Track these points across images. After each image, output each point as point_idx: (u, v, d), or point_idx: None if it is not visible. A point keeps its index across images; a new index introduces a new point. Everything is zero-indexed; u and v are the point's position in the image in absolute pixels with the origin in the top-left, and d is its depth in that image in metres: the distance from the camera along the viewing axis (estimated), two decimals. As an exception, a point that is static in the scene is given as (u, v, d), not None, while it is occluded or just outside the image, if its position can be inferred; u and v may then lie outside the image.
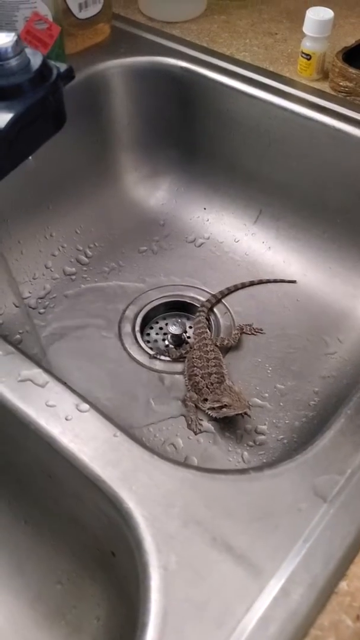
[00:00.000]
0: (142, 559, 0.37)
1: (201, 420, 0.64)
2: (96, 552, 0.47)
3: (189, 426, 0.64)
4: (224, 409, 0.61)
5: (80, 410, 0.44)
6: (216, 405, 0.61)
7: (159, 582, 0.36)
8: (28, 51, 0.46)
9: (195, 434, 0.63)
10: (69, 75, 0.48)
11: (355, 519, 0.38)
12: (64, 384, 0.45)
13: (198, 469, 0.41)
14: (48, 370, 0.46)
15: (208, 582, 0.36)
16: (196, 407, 0.65)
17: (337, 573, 0.36)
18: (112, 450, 0.42)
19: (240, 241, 0.83)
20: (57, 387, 0.45)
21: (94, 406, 0.44)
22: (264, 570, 0.36)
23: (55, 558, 0.51)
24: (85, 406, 0.44)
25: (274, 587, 0.36)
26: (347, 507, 0.39)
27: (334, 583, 0.36)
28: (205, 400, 0.63)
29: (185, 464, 0.42)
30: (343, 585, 0.36)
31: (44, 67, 0.47)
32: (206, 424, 0.65)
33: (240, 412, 0.61)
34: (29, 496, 0.50)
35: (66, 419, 0.43)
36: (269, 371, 0.70)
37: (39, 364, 0.46)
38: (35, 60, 0.46)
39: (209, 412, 0.63)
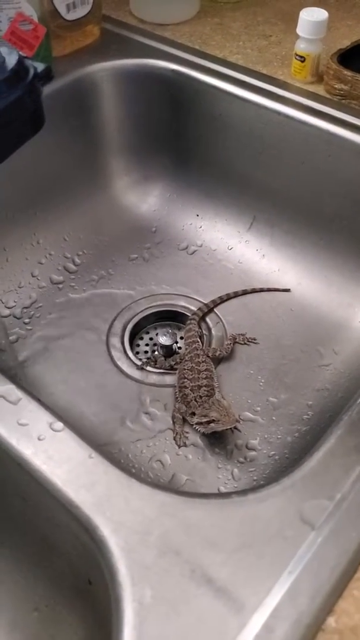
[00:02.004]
0: (116, 592, 0.35)
1: (187, 433, 0.62)
2: (73, 579, 0.44)
3: (174, 439, 0.61)
4: (212, 424, 0.58)
5: (54, 430, 0.41)
6: (204, 420, 0.59)
7: (133, 618, 0.33)
8: (3, 50, 0.44)
9: (179, 447, 0.61)
10: (47, 75, 0.46)
11: (345, 549, 0.36)
12: (38, 400, 0.43)
13: (178, 493, 0.39)
14: (22, 386, 0.44)
15: (185, 617, 0.33)
16: (183, 419, 0.62)
17: (325, 608, 0.34)
18: (87, 472, 0.39)
19: (233, 248, 0.80)
20: (30, 404, 0.43)
21: (69, 425, 0.41)
22: (245, 604, 0.34)
23: (32, 584, 0.48)
24: (60, 425, 0.41)
25: (256, 623, 0.33)
26: (337, 535, 0.36)
27: (321, 619, 0.33)
28: (193, 414, 0.61)
29: (164, 487, 0.39)
30: (331, 621, 0.33)
31: (20, 66, 0.44)
32: (195, 440, 0.62)
33: (228, 427, 0.58)
34: (3, 519, 0.47)
35: (39, 439, 0.41)
36: (261, 383, 0.67)
37: (12, 379, 0.44)
38: (10, 60, 0.44)
39: (197, 428, 0.60)
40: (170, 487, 0.56)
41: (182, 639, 0.32)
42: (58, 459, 0.40)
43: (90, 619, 0.44)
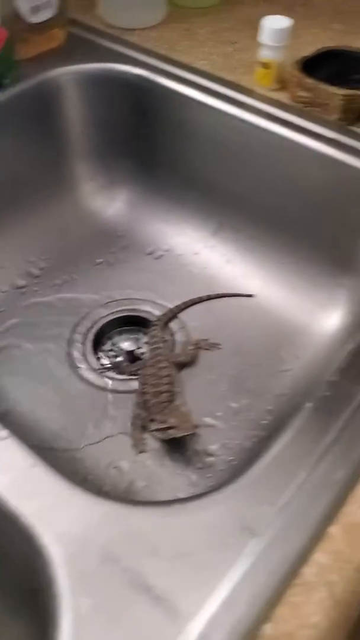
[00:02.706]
0: (54, 601, 0.34)
1: (145, 439, 0.62)
2: (18, 589, 0.44)
3: (132, 445, 0.61)
4: (170, 431, 0.58)
5: (-1, 437, 0.41)
6: (162, 426, 0.59)
7: (69, 628, 0.33)
8: None
9: (138, 453, 0.61)
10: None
11: (284, 555, 0.36)
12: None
13: (120, 501, 0.39)
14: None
15: (122, 626, 0.33)
16: (142, 426, 0.62)
17: (262, 615, 0.34)
18: (30, 481, 0.39)
19: (199, 254, 0.81)
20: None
21: (12, 433, 0.41)
22: (182, 612, 0.34)
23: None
24: (4, 433, 0.41)
25: (192, 631, 0.33)
26: (277, 541, 0.36)
27: (258, 626, 0.34)
28: (152, 420, 0.61)
29: (107, 496, 0.39)
30: (267, 628, 0.34)
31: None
32: (155, 446, 0.62)
33: (186, 434, 0.58)
34: None
35: (-18, 447, 0.41)
36: (222, 389, 0.67)
37: None
38: None
39: (155, 434, 0.60)
40: (118, 494, 0.56)
41: (118, 648, 0.32)
42: (1, 467, 0.39)
43: (35, 630, 0.44)
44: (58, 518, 0.37)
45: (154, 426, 0.60)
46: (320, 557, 0.36)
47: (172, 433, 0.58)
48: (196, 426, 0.59)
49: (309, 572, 0.36)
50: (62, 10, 0.77)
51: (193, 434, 0.61)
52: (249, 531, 0.37)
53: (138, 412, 0.63)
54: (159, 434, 0.60)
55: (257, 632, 0.33)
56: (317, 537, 0.37)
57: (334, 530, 0.37)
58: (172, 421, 0.58)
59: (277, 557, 0.36)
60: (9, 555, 0.42)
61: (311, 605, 0.34)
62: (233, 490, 0.39)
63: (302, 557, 0.36)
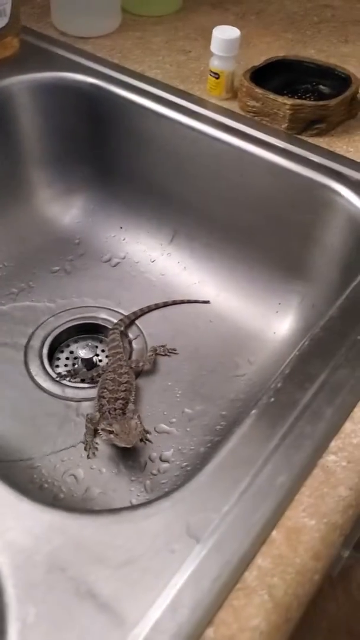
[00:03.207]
0: (2, 611, 0.35)
1: (97, 444, 0.62)
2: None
3: (84, 449, 0.62)
4: (111, 436, 0.59)
5: None
6: (107, 428, 0.60)
7: (17, 637, 0.34)
8: None
9: (89, 457, 0.61)
10: None
11: (226, 560, 0.37)
12: None
13: (67, 510, 0.39)
14: None
15: (69, 634, 0.34)
16: (95, 430, 0.63)
17: (204, 619, 0.35)
18: (-23, 492, 0.39)
19: (156, 261, 0.81)
20: None
21: None
22: (127, 619, 0.34)
23: None
24: None
25: (136, 637, 0.34)
26: (220, 547, 0.37)
27: (200, 631, 0.34)
28: (102, 423, 0.62)
29: (55, 505, 0.39)
30: (209, 632, 0.34)
31: None
32: (110, 453, 0.63)
33: (123, 445, 0.59)
34: None
35: None
36: (178, 395, 0.68)
37: None
38: None
39: (100, 433, 0.61)
40: (69, 503, 0.57)
41: (62, 656, 0.33)
42: None
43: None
44: (5, 528, 0.38)
45: (101, 426, 0.60)
46: (261, 561, 0.37)
47: (112, 439, 0.59)
48: (141, 440, 0.62)
49: (250, 576, 0.37)
50: (15, 18, 0.77)
51: (146, 440, 0.63)
52: (194, 537, 0.38)
53: (91, 416, 0.64)
54: (103, 433, 0.60)
55: (200, 636, 0.34)
56: (259, 541, 0.38)
57: (276, 534, 0.38)
58: (115, 427, 0.59)
59: (220, 562, 0.37)
60: None
61: (252, 609, 0.35)
62: (179, 497, 0.40)
63: (244, 562, 0.37)
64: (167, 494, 0.40)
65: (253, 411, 0.45)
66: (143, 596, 0.35)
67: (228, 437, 0.45)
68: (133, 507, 0.39)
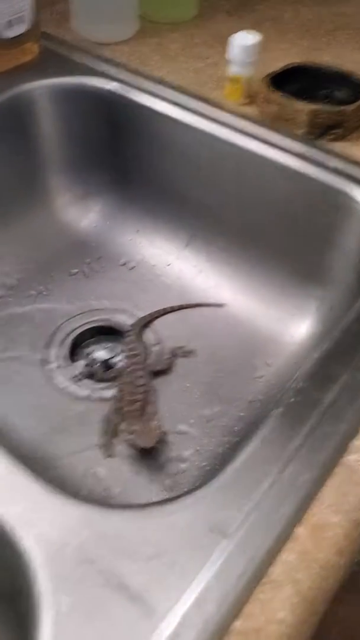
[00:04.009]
0: (35, 601, 0.36)
1: (114, 444, 0.63)
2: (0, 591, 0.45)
3: (101, 448, 0.63)
4: (132, 436, 0.60)
5: (-23, 445, 0.42)
6: (128, 428, 0.61)
7: (50, 626, 0.35)
8: None
9: (105, 457, 0.62)
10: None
11: (253, 555, 0.38)
12: None
13: (97, 504, 0.40)
14: None
15: (99, 623, 0.35)
16: (113, 431, 0.63)
17: (231, 613, 0.35)
18: (9, 487, 0.40)
19: (172, 265, 0.82)
20: None
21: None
22: (157, 610, 0.35)
23: None
24: (-18, 441, 0.42)
25: (165, 629, 0.35)
26: (246, 543, 0.38)
27: (228, 623, 0.35)
28: (122, 424, 0.62)
29: (84, 499, 0.40)
30: (237, 625, 0.35)
31: None
32: (130, 452, 0.63)
33: (143, 446, 0.60)
34: None
35: None
36: (196, 396, 0.69)
37: None
38: None
39: (120, 433, 0.62)
40: (97, 499, 0.57)
41: (95, 645, 0.34)
42: (-20, 474, 0.41)
43: (15, 632, 0.45)
44: (37, 522, 0.39)
45: (121, 426, 0.61)
46: (287, 556, 0.38)
47: (132, 439, 0.60)
48: (159, 442, 0.61)
49: (276, 571, 0.38)
50: (35, 24, 0.79)
51: (153, 447, 0.63)
52: (220, 533, 0.38)
53: (111, 418, 0.64)
54: (122, 435, 0.61)
55: (227, 628, 0.35)
56: (284, 537, 0.39)
57: (300, 530, 0.39)
58: (136, 428, 0.60)
59: (246, 557, 0.38)
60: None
61: (278, 602, 0.36)
62: (204, 493, 0.40)
63: (270, 557, 0.38)
64: (192, 491, 0.41)
65: (274, 411, 0.45)
66: (172, 589, 0.36)
67: (250, 437, 0.45)
68: (159, 503, 0.40)
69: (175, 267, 0.82)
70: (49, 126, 0.80)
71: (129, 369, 0.68)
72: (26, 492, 0.41)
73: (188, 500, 0.40)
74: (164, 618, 0.35)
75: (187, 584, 0.36)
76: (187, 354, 0.73)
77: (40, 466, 0.58)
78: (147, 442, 0.59)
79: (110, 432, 0.64)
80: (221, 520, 0.39)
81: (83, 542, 0.38)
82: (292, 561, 0.38)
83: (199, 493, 0.40)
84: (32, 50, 0.81)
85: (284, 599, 0.36)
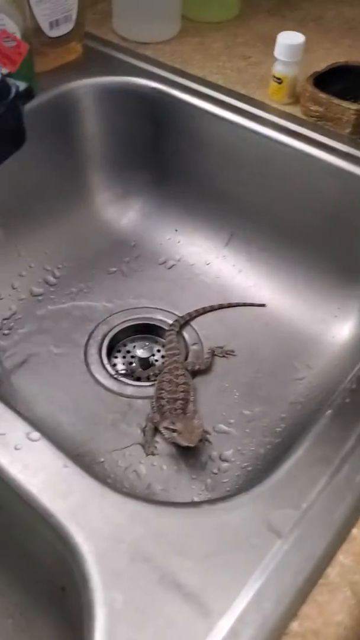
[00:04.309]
0: (88, 597, 0.36)
1: (157, 442, 0.63)
2: (47, 587, 0.45)
3: (142, 446, 0.63)
4: (174, 434, 0.60)
5: (30, 439, 0.42)
6: (170, 426, 0.60)
7: (104, 622, 0.34)
8: (-14, 69, 0.46)
9: (147, 455, 0.62)
10: (28, 94, 0.48)
11: (309, 556, 0.37)
12: (16, 411, 0.44)
13: (150, 501, 0.40)
14: (0, 396, 0.45)
15: (154, 622, 0.35)
16: (155, 429, 0.63)
17: (289, 613, 0.35)
18: (62, 481, 0.40)
19: (211, 264, 0.82)
20: (7, 414, 0.44)
21: (45, 435, 0.42)
22: (213, 609, 0.35)
23: (7, 592, 0.49)
24: (36, 435, 0.42)
25: (222, 627, 0.34)
26: (301, 543, 0.38)
27: (285, 624, 0.35)
28: (164, 421, 0.62)
29: (136, 496, 0.40)
30: (294, 626, 0.35)
31: (2, 85, 0.46)
32: (171, 451, 0.63)
33: (186, 444, 0.59)
34: (-22, 527, 0.48)
35: (15, 448, 0.42)
36: (236, 396, 0.69)
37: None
38: (-7, 79, 0.45)
39: (163, 431, 0.61)
40: (142, 495, 0.57)
41: (151, 643, 0.34)
42: (34, 468, 0.41)
43: (63, 626, 0.45)
44: (90, 517, 0.39)
45: (164, 424, 0.61)
46: (343, 558, 0.38)
47: (175, 437, 0.60)
48: (200, 440, 0.61)
49: (332, 572, 0.37)
50: (80, 24, 0.79)
51: (206, 440, 0.63)
52: (274, 532, 0.38)
53: (152, 416, 0.64)
54: (165, 432, 0.61)
55: (285, 629, 0.35)
56: (340, 538, 0.38)
57: (356, 532, 0.39)
58: (179, 427, 0.60)
59: (302, 558, 0.37)
60: (39, 555, 0.43)
61: (336, 605, 0.36)
62: (258, 493, 0.40)
63: (326, 558, 0.37)
64: (246, 490, 0.40)
65: (328, 411, 0.45)
66: (227, 588, 0.36)
67: (299, 437, 0.45)
68: (212, 501, 0.40)
69: (215, 266, 0.82)
70: (91, 125, 0.80)
71: (168, 367, 0.68)
72: (78, 488, 0.40)
73: (242, 498, 0.39)
74: (221, 617, 0.34)
75: (243, 583, 0.36)
76: (226, 353, 0.73)
77: (85, 463, 0.59)
78: (190, 441, 0.59)
79: (152, 430, 0.64)
80: (275, 520, 0.39)
81: (137, 539, 0.38)
82: (349, 563, 0.37)
83: (253, 492, 0.40)
84: (76, 49, 0.81)
85: (342, 601, 0.36)
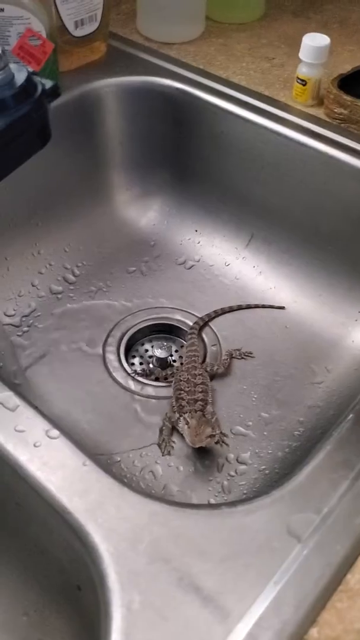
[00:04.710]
0: (105, 597, 0.36)
1: (174, 442, 0.63)
2: (63, 585, 0.45)
3: (159, 445, 0.62)
4: (186, 427, 0.60)
5: (50, 437, 0.42)
6: (187, 418, 0.60)
7: (120, 623, 0.34)
8: (13, 66, 0.46)
9: (163, 454, 0.62)
10: (54, 92, 0.48)
11: (329, 561, 0.37)
12: (36, 408, 0.44)
13: (169, 502, 0.40)
14: (20, 394, 0.45)
15: (171, 624, 0.34)
16: (173, 428, 0.63)
17: (308, 619, 0.35)
18: (81, 479, 0.40)
19: (230, 265, 0.82)
20: (27, 411, 0.44)
21: (64, 433, 0.42)
22: (231, 613, 0.35)
23: (23, 589, 0.49)
24: (56, 432, 0.42)
25: (240, 631, 0.34)
26: (322, 548, 0.37)
27: (304, 630, 0.34)
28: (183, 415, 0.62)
29: (155, 496, 0.40)
30: (313, 632, 0.34)
31: (29, 83, 0.46)
32: (188, 452, 0.63)
33: (188, 441, 0.60)
34: (-4, 523, 0.48)
35: (35, 446, 0.42)
36: (254, 399, 0.68)
37: (10, 386, 0.45)
38: (20, 76, 0.45)
39: (179, 421, 0.62)
40: (161, 496, 0.57)
41: (169, 645, 0.33)
42: (53, 465, 0.41)
43: (78, 625, 0.45)
44: (108, 516, 0.38)
45: (183, 415, 0.61)
46: (364, 564, 0.37)
47: (184, 430, 0.60)
48: (217, 442, 0.62)
49: (353, 579, 0.37)
50: (104, 24, 0.79)
51: (222, 442, 0.63)
52: (294, 536, 0.38)
53: (170, 415, 0.64)
54: (180, 422, 0.61)
55: (304, 635, 0.34)
56: (360, 544, 0.38)
57: (378, 538, 0.38)
58: (192, 423, 0.59)
59: (322, 563, 0.37)
60: (56, 553, 0.43)
61: (356, 612, 0.35)
62: (278, 496, 0.40)
63: (347, 564, 0.37)
64: (265, 493, 0.40)
65: (350, 416, 0.44)
66: (246, 592, 0.35)
67: (319, 441, 0.44)
68: (232, 504, 0.40)
69: (234, 267, 0.81)
70: (113, 124, 0.80)
71: (186, 367, 0.68)
72: (97, 486, 0.40)
73: (263, 501, 0.39)
74: (239, 621, 0.34)
75: (262, 587, 0.36)
76: (245, 355, 0.72)
77: (101, 462, 0.59)
78: (192, 441, 0.59)
79: (169, 429, 0.63)
80: (296, 523, 0.38)
81: (156, 539, 0.37)
82: (370, 570, 0.37)
83: (274, 494, 0.39)
84: (100, 49, 0.81)
85: (362, 608, 0.35)
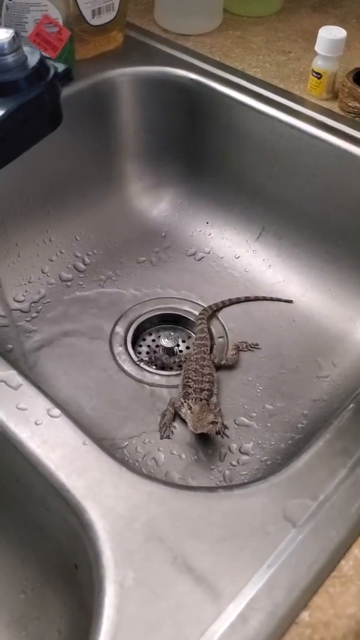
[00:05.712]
0: (99, 573, 0.36)
1: (174, 427, 0.63)
2: (60, 563, 0.45)
3: (160, 428, 0.63)
4: (189, 411, 0.60)
5: (51, 416, 0.43)
6: (191, 403, 0.61)
7: (113, 598, 0.35)
8: (26, 49, 0.46)
9: (161, 438, 0.62)
10: (66, 75, 0.48)
11: (323, 547, 0.37)
12: (38, 387, 0.44)
13: (166, 483, 0.40)
14: (23, 373, 0.45)
15: (164, 602, 0.35)
16: (176, 413, 0.63)
17: (300, 602, 0.35)
18: (80, 458, 0.41)
19: (240, 257, 0.82)
20: (30, 390, 0.44)
21: (65, 412, 0.43)
22: (223, 593, 0.35)
23: (21, 567, 0.50)
24: (57, 411, 0.43)
25: (232, 612, 0.34)
26: (317, 533, 0.37)
27: (296, 613, 0.34)
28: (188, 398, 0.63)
29: (152, 477, 0.40)
30: (305, 615, 0.34)
31: (41, 65, 0.46)
32: (191, 440, 0.63)
33: (189, 426, 0.60)
34: (-4, 501, 0.49)
35: (36, 424, 0.42)
36: (258, 390, 0.68)
37: (14, 365, 0.45)
38: (33, 58, 0.46)
39: (182, 405, 0.62)
40: (159, 477, 0.57)
41: (160, 622, 0.33)
42: (53, 443, 0.41)
43: (75, 603, 0.45)
44: (105, 494, 0.39)
45: (186, 401, 0.62)
46: (358, 551, 0.37)
47: (187, 415, 0.61)
48: (217, 433, 0.62)
49: (346, 565, 0.37)
50: (121, 14, 0.79)
51: (224, 434, 0.63)
52: (290, 521, 0.38)
53: (174, 400, 0.64)
54: (183, 407, 0.62)
55: (295, 618, 0.34)
56: (356, 532, 0.38)
57: (373, 526, 0.38)
58: (195, 408, 0.60)
59: (317, 549, 0.37)
60: (54, 531, 0.43)
61: (348, 597, 0.35)
62: (276, 481, 0.40)
63: (341, 550, 0.37)
64: (264, 478, 0.40)
65: (351, 405, 0.44)
66: (239, 573, 0.36)
67: (322, 430, 0.44)
68: (230, 487, 0.40)
69: (244, 260, 0.81)
70: (128, 114, 0.81)
71: (195, 356, 0.68)
72: (96, 465, 0.41)
73: (259, 486, 0.39)
74: (231, 602, 0.34)
75: (255, 569, 0.36)
76: (251, 347, 0.72)
77: (104, 447, 0.59)
78: (194, 427, 0.59)
79: (171, 414, 0.64)
80: (292, 508, 0.38)
81: (152, 519, 0.38)
82: (364, 557, 0.37)
83: (270, 480, 0.40)
84: (116, 38, 0.81)
85: (354, 594, 0.35)
